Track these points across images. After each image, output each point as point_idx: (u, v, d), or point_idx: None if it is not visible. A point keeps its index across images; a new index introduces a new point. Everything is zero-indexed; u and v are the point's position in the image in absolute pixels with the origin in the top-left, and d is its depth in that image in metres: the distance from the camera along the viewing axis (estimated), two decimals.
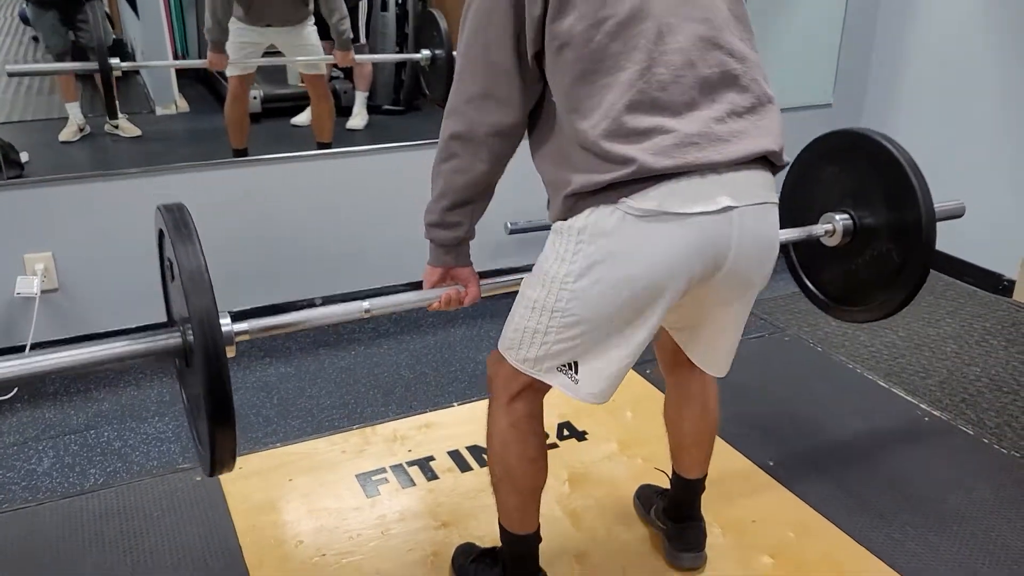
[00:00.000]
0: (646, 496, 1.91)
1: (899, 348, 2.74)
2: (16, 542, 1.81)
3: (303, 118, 4.41)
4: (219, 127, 4.95)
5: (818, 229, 1.84)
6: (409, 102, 5.35)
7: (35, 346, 2.40)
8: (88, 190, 2.53)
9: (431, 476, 2.05)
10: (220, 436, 1.23)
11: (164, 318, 1.46)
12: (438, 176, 1.34)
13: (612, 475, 2.06)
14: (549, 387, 1.43)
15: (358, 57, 3.72)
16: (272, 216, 2.80)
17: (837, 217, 1.82)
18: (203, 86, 5.75)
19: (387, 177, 2.97)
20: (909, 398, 2.41)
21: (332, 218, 2.88)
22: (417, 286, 1.49)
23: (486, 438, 1.54)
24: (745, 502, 1.96)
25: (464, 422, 2.27)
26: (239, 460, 2.00)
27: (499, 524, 1.59)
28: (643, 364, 1.96)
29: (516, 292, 1.43)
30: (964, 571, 1.75)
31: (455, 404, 2.36)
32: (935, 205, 1.72)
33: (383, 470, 2.06)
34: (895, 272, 1.78)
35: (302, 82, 4.67)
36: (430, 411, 2.32)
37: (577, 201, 1.25)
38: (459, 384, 2.52)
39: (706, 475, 1.74)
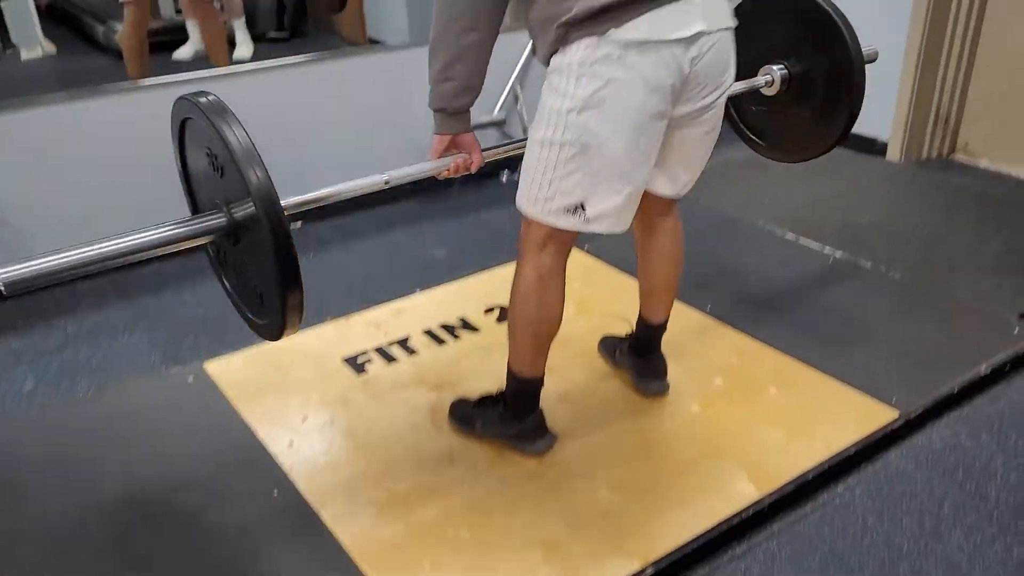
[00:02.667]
0: (609, 344, 2.15)
1: (799, 206, 3.07)
2: (27, 449, 1.87)
3: (185, 52, 4.33)
4: (95, 66, 4.77)
5: (759, 80, 2.01)
6: (294, 27, 5.28)
7: None
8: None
9: (411, 352, 2.22)
10: (291, 294, 1.32)
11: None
12: (445, 47, 1.42)
13: (574, 333, 2.28)
14: (571, 239, 1.62)
15: None
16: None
17: (774, 68, 2.00)
18: (66, 26, 5.47)
19: (288, 94, 2.98)
20: (815, 244, 2.74)
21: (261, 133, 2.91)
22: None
23: (511, 288, 1.69)
24: (692, 339, 2.24)
25: (431, 304, 2.44)
26: (225, 359, 2.15)
27: (508, 369, 1.78)
28: (583, 240, 2.13)
29: (512, 156, 1.59)
30: (877, 369, 2.08)
31: (417, 291, 2.52)
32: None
33: (365, 352, 2.21)
34: (830, 111, 2.00)
35: (178, 12, 4.55)
36: (396, 300, 2.47)
37: (568, 31, 1.40)
38: (414, 276, 2.67)
39: (668, 317, 1.98)
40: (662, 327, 1.97)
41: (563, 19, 1.39)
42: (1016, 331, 2.21)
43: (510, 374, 1.78)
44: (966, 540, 1.64)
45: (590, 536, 1.60)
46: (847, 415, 1.92)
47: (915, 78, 3.28)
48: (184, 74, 2.86)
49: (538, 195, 1.52)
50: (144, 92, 2.78)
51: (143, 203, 2.54)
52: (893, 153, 3.45)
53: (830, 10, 1.91)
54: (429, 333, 2.29)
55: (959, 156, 3.48)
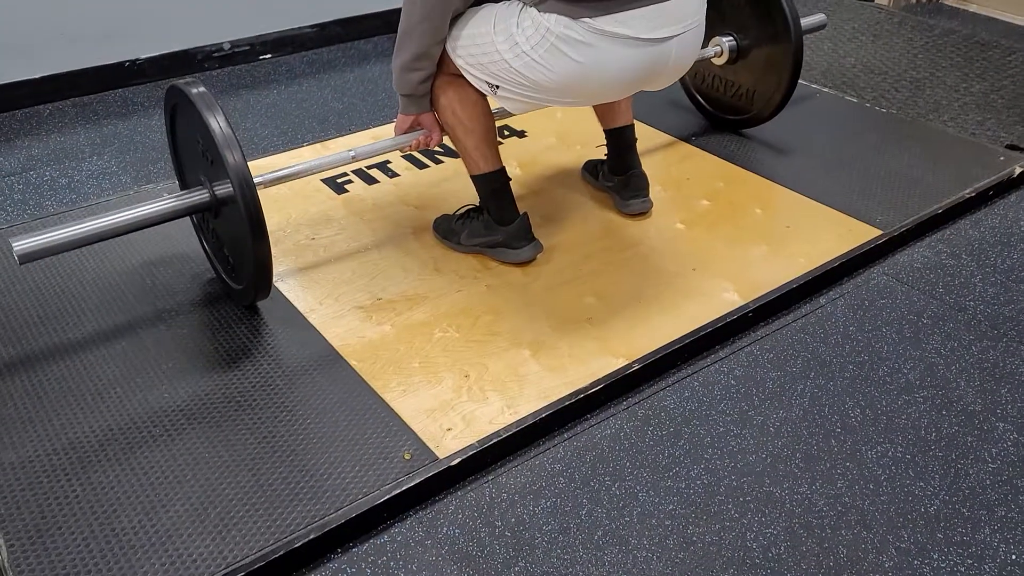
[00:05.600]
0: (591, 167, 2.12)
1: None
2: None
3: None
4: None
5: (708, 51, 2.19)
6: None
7: None
8: None
9: (392, 175, 2.17)
10: (261, 265, 1.48)
11: None
12: (415, 43, 1.57)
13: (556, 160, 2.25)
14: None
15: None
16: None
17: (724, 40, 2.19)
18: None
19: None
20: (800, 80, 2.69)
21: None
22: None
23: (436, 105, 1.71)
24: (678, 166, 2.21)
25: None
26: None
27: (472, 177, 1.77)
28: None
29: None
30: (862, 194, 2.08)
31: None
32: (801, 20, 2.13)
33: (345, 174, 2.16)
34: (774, 81, 2.18)
35: None
36: (375, 126, 2.40)
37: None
38: (391, 108, 2.59)
39: (632, 124, 1.96)
40: (630, 132, 1.95)
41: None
42: (1002, 159, 2.21)
43: (475, 180, 1.78)
44: (943, 345, 1.67)
45: (576, 338, 1.61)
46: (831, 234, 1.92)
47: None
48: None
49: (464, 56, 1.60)
50: None
51: None
52: None
53: None
54: (409, 157, 2.24)
55: (948, 0, 3.41)
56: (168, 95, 1.59)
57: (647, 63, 1.55)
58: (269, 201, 2.02)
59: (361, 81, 2.80)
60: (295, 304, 1.68)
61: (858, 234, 1.92)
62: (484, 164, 1.75)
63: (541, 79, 1.53)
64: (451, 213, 1.90)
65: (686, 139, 2.33)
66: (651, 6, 1.49)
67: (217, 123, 1.43)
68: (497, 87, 1.60)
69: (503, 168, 1.78)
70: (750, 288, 1.74)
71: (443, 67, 1.65)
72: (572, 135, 2.35)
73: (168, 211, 1.54)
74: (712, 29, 2.07)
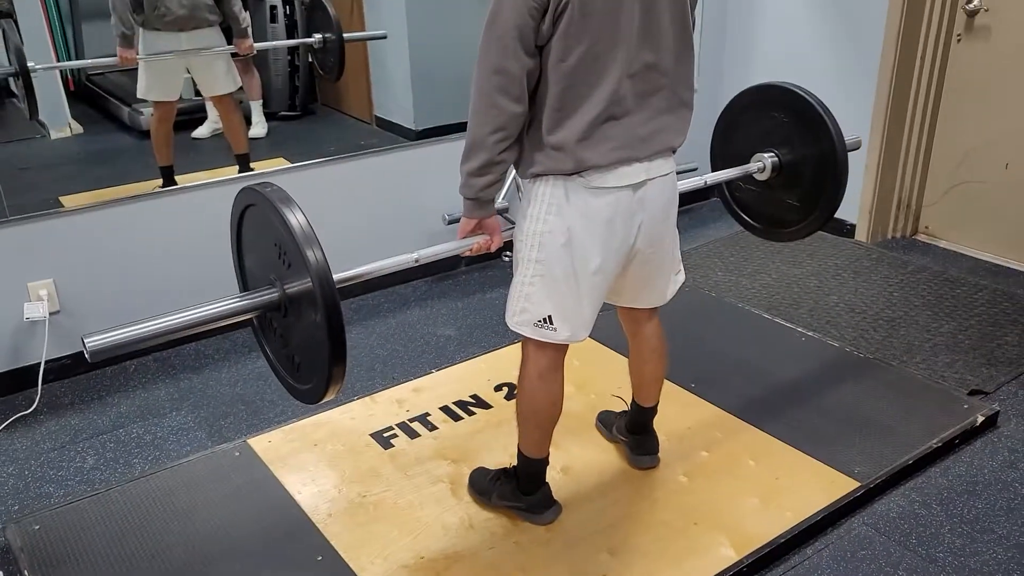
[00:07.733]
0: (607, 419, 2.44)
1: (774, 287, 3.39)
2: (94, 526, 2.13)
3: (204, 131, 4.67)
4: (123, 145, 5.09)
5: (751, 166, 2.30)
6: (304, 107, 5.66)
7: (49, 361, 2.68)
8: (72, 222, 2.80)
9: (431, 428, 2.49)
10: (337, 359, 1.50)
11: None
12: (484, 152, 1.65)
13: (573, 409, 2.56)
14: (565, 345, 1.91)
15: (257, 45, 3.98)
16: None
17: (766, 156, 2.28)
18: (85, 104, 5.82)
19: (322, 191, 3.33)
20: (788, 325, 3.05)
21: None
22: None
23: (518, 384, 2.00)
24: (678, 415, 2.52)
25: (445, 383, 2.72)
26: (267, 435, 2.41)
27: (519, 450, 2.06)
28: None
29: None
30: (841, 444, 2.37)
31: (433, 371, 2.80)
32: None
33: (391, 428, 2.49)
34: (815, 195, 2.26)
35: (197, 95, 4.89)
36: (414, 379, 2.76)
37: (546, 171, 1.73)
38: (429, 355, 2.96)
39: (657, 403, 2.28)
40: (653, 411, 2.26)
41: (537, 170, 1.73)
42: (966, 407, 2.50)
43: (520, 455, 2.06)
44: None
45: None
46: (815, 485, 2.20)
47: (878, 168, 3.63)
48: (222, 173, 3.19)
49: (514, 307, 1.86)
50: (189, 193, 3.12)
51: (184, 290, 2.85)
52: (861, 234, 3.78)
53: (818, 107, 2.21)
54: (446, 410, 2.57)
55: (921, 237, 3.82)
56: (241, 195, 1.64)
57: (629, 203, 1.75)
58: (326, 458, 2.35)
59: (402, 326, 3.19)
60: (350, 564, 1.96)
61: (839, 485, 2.19)
62: (535, 451, 2.03)
63: (559, 252, 1.75)
64: (485, 470, 2.20)
65: (686, 387, 2.65)
66: (629, 165, 1.73)
67: (297, 220, 1.47)
68: (550, 318, 1.81)
69: (548, 457, 2.06)
70: (744, 541, 2.00)
71: (526, 348, 1.92)
72: (587, 383, 2.69)
73: (238, 309, 1.60)
74: (756, 144, 2.25)
